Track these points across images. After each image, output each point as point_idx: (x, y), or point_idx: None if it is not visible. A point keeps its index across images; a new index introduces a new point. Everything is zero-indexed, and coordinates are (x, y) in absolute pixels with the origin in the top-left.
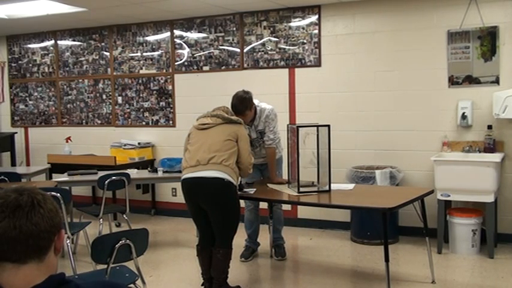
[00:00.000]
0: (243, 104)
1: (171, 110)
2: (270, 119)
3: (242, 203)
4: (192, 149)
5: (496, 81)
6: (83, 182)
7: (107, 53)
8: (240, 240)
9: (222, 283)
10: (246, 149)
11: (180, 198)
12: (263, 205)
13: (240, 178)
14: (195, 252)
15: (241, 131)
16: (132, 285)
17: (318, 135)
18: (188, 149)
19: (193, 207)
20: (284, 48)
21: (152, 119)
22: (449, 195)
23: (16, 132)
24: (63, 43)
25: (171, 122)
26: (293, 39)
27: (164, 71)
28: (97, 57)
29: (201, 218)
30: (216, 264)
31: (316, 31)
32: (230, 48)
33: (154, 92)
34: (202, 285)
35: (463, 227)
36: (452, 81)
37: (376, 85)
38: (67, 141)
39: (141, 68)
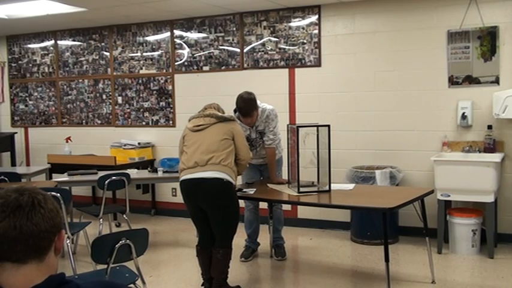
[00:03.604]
0: (249, 105)
1: (171, 110)
2: (270, 119)
3: (242, 202)
4: (189, 151)
5: (496, 81)
6: (83, 182)
7: (107, 53)
8: (240, 240)
9: (222, 283)
10: (244, 145)
11: (180, 198)
12: (263, 205)
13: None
14: (195, 252)
15: (236, 128)
16: (132, 285)
17: (318, 135)
18: (185, 151)
19: (192, 208)
20: (284, 48)
21: (152, 119)
22: (449, 195)
23: (16, 132)
24: (63, 43)
25: (171, 122)
26: (293, 39)
27: (164, 71)
28: (97, 57)
29: (200, 219)
30: (216, 264)
31: (316, 31)
32: (230, 48)
33: (154, 92)
34: (202, 285)
35: (463, 227)
36: (452, 81)
37: (376, 85)
38: (67, 141)
39: (141, 68)
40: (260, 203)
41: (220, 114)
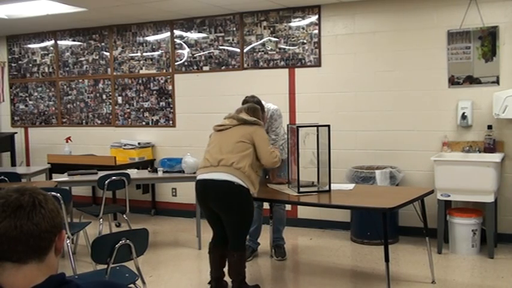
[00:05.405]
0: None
1: (171, 110)
2: (273, 119)
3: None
4: (207, 150)
5: (496, 82)
6: (83, 182)
7: (107, 53)
8: None
9: (240, 284)
10: (264, 150)
11: (180, 198)
12: (266, 205)
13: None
14: (208, 249)
15: (257, 132)
16: (132, 285)
17: (318, 135)
18: (206, 150)
19: (205, 208)
20: (284, 48)
21: (152, 119)
22: (449, 195)
23: (16, 132)
24: (63, 43)
25: (171, 122)
26: (293, 39)
27: (164, 71)
28: (97, 57)
29: (214, 219)
30: (233, 267)
31: (316, 31)
32: (230, 48)
33: (154, 92)
34: (209, 283)
35: (463, 227)
36: (453, 82)
37: (376, 85)
38: (67, 141)
39: (141, 68)
40: (264, 203)
41: (242, 117)
